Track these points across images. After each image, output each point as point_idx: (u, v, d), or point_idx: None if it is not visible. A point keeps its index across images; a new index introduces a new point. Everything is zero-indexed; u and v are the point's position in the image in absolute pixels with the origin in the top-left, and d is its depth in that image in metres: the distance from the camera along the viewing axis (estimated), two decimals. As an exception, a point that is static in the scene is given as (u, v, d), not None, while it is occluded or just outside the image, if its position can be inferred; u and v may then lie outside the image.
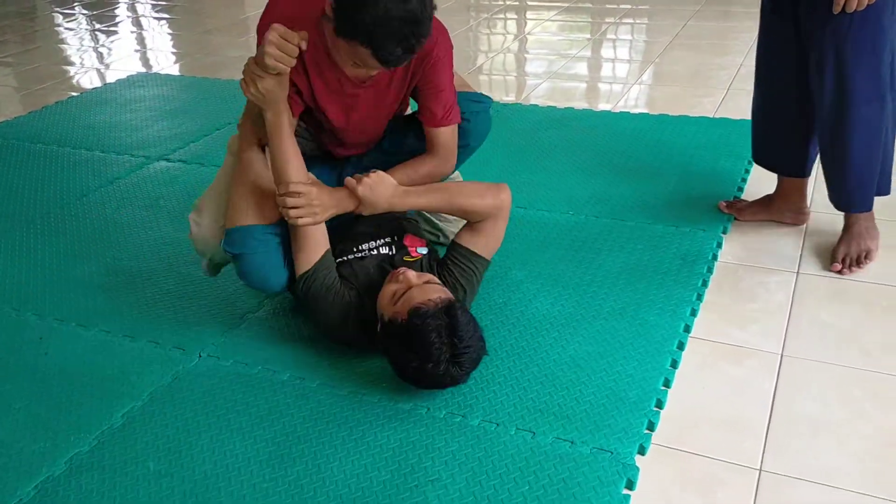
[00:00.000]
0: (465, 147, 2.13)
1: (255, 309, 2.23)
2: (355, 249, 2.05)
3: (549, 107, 3.67)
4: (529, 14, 5.50)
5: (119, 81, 4.36)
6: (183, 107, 3.93)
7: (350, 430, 1.79)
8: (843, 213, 2.36)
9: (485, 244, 2.05)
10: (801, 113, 2.31)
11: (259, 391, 1.92)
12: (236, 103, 3.83)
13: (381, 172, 1.92)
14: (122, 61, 4.83)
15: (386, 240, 2.09)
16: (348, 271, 1.99)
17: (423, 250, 2.09)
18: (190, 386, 1.95)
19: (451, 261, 2.04)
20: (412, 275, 1.88)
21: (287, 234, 1.97)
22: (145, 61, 4.83)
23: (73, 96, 4.16)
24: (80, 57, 4.98)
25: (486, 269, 2.09)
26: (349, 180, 1.90)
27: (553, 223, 2.61)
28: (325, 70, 1.89)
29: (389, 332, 1.79)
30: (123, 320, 2.21)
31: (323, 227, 1.96)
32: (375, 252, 2.05)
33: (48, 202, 2.96)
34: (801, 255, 2.39)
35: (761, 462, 1.67)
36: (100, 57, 4.97)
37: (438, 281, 1.93)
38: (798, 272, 2.31)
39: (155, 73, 4.50)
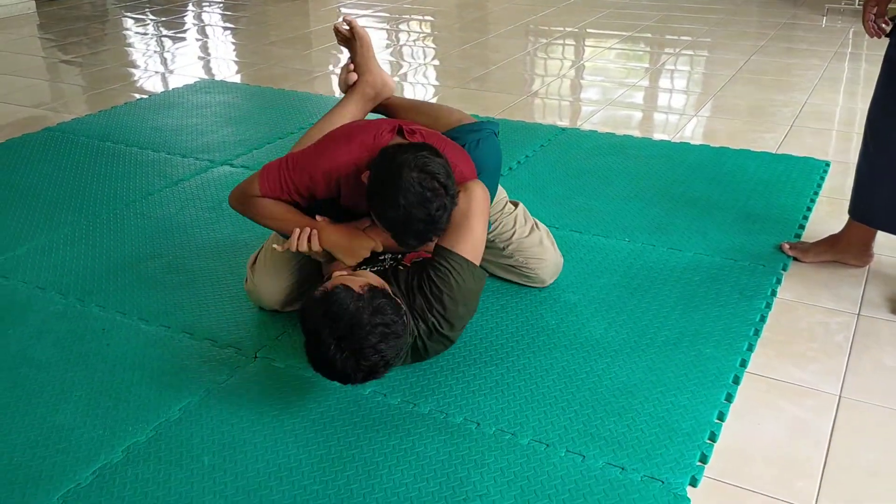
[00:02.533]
0: (480, 174, 2.10)
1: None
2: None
3: (607, 133, 3.67)
4: (589, 41, 5.51)
5: (186, 86, 4.47)
6: (247, 114, 4.02)
7: (400, 439, 1.80)
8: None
9: (456, 240, 1.91)
10: None
11: (312, 396, 1.94)
12: (299, 114, 3.91)
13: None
14: (189, 67, 4.95)
15: (389, 262, 2.07)
16: None
17: (418, 260, 2.04)
18: (245, 385, 1.98)
19: (427, 262, 1.96)
20: (370, 275, 1.89)
21: None
22: (210, 69, 4.95)
23: (141, 98, 4.27)
24: (146, 61, 5.12)
25: (472, 273, 1.92)
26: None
27: (609, 249, 2.61)
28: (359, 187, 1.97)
29: (306, 303, 1.80)
30: (183, 317, 2.26)
31: None
32: (377, 268, 2.04)
33: (115, 199, 3.04)
34: (862, 298, 2.35)
35: (816, 502, 1.64)
36: (166, 62, 5.10)
37: (376, 277, 1.88)
38: (859, 314, 2.28)
39: (221, 81, 4.61)
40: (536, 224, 2.41)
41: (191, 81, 4.58)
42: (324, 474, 1.70)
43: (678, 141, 3.58)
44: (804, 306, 2.32)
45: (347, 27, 2.34)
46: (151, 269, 2.53)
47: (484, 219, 1.99)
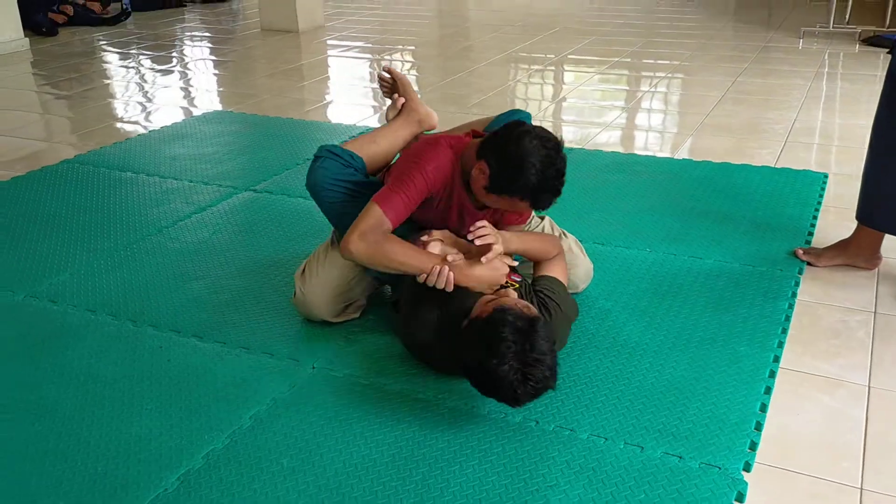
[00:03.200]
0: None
1: (359, 325, 2.36)
2: None
3: (612, 152, 3.82)
4: (580, 67, 5.70)
5: (194, 118, 4.57)
6: (259, 142, 4.12)
7: (465, 438, 1.90)
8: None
9: (554, 270, 2.24)
10: None
11: (373, 401, 2.04)
12: (310, 141, 4.03)
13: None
14: (193, 99, 5.05)
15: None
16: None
17: (518, 278, 2.22)
18: (308, 394, 2.07)
19: (536, 287, 2.18)
20: (513, 294, 2.03)
21: None
22: (213, 101, 5.05)
23: (152, 130, 4.35)
24: (149, 95, 5.21)
25: (565, 294, 2.20)
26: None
27: (632, 259, 2.74)
28: (453, 194, 2.18)
29: (470, 328, 1.92)
30: (237, 333, 2.35)
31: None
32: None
33: (146, 225, 3.12)
34: (876, 297, 2.50)
35: (861, 482, 1.76)
36: (169, 95, 5.19)
37: (532, 306, 2.05)
38: (875, 312, 2.42)
39: (228, 112, 4.71)
40: (564, 233, 2.53)
41: (198, 113, 4.68)
42: (399, 471, 1.80)
43: (680, 158, 3.74)
44: (823, 307, 2.46)
45: (389, 76, 2.53)
46: (197, 290, 2.61)
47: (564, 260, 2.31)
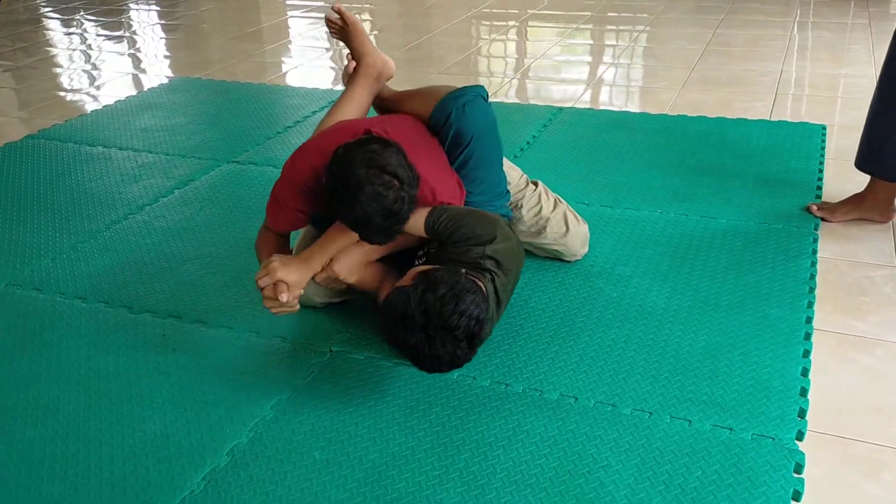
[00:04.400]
0: (472, 139, 2.09)
1: (370, 304, 2.24)
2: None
3: (604, 110, 3.72)
4: (559, 22, 5.56)
5: (160, 86, 4.34)
6: (232, 110, 3.93)
7: (503, 419, 1.81)
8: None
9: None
10: None
11: (400, 384, 1.93)
12: (286, 108, 3.85)
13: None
14: (155, 66, 4.80)
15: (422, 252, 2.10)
16: None
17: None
18: (330, 378, 1.95)
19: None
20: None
21: None
22: (178, 67, 4.80)
23: (117, 101, 4.12)
24: (106, 63, 4.94)
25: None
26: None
27: (644, 221, 2.66)
28: None
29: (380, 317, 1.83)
30: (243, 317, 2.21)
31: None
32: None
33: (126, 203, 2.94)
34: (895, 251, 2.46)
35: (917, 445, 1.72)
36: (129, 63, 4.93)
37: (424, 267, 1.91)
38: (898, 266, 2.38)
39: (195, 79, 4.48)
40: (559, 199, 2.44)
41: (163, 81, 4.45)
42: (440, 459, 1.70)
43: (674, 114, 3.65)
44: (845, 263, 2.41)
45: (338, 16, 2.34)
46: (192, 272, 2.45)
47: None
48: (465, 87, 2.13)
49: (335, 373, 1.98)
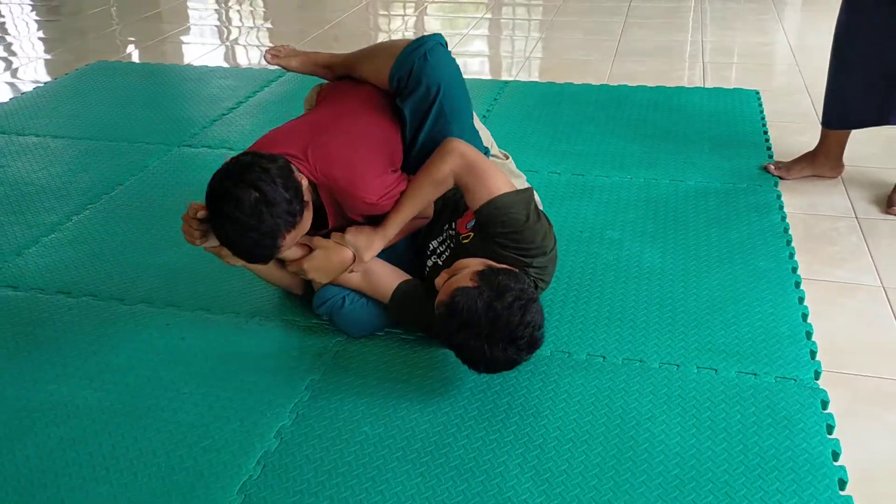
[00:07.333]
0: (440, 89, 1.96)
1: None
2: (428, 263, 2.06)
3: (548, 83, 3.79)
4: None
5: (81, 71, 4.10)
6: (166, 93, 3.78)
7: (541, 382, 1.84)
8: (884, 168, 2.67)
9: (480, 191, 1.84)
10: (887, 74, 2.53)
11: (428, 358, 1.93)
12: (218, 88, 3.75)
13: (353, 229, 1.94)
14: (71, 51, 4.53)
15: (442, 237, 2.07)
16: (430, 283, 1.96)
17: (471, 223, 2.01)
18: (360, 354, 1.94)
19: (485, 225, 1.89)
20: (464, 264, 1.84)
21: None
22: (94, 50, 4.55)
23: (36, 87, 3.88)
24: (12, 47, 4.63)
25: (518, 198, 1.85)
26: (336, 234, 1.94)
27: (618, 186, 2.74)
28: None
29: (440, 315, 1.73)
30: (247, 302, 2.15)
31: (385, 267, 1.99)
32: (444, 255, 2.03)
33: (84, 193, 2.79)
34: (851, 203, 2.64)
35: (918, 376, 1.87)
36: (36, 47, 4.64)
37: (474, 260, 1.84)
38: (857, 217, 2.55)
39: (116, 62, 4.27)
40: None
41: (81, 65, 4.20)
42: (492, 424, 1.72)
43: (615, 84, 3.76)
44: (809, 216, 2.57)
45: (276, 61, 2.29)
46: (176, 259, 2.36)
47: (482, 159, 1.88)
48: (420, 37, 2.00)
49: (363, 349, 1.96)
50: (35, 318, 2.10)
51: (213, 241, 1.80)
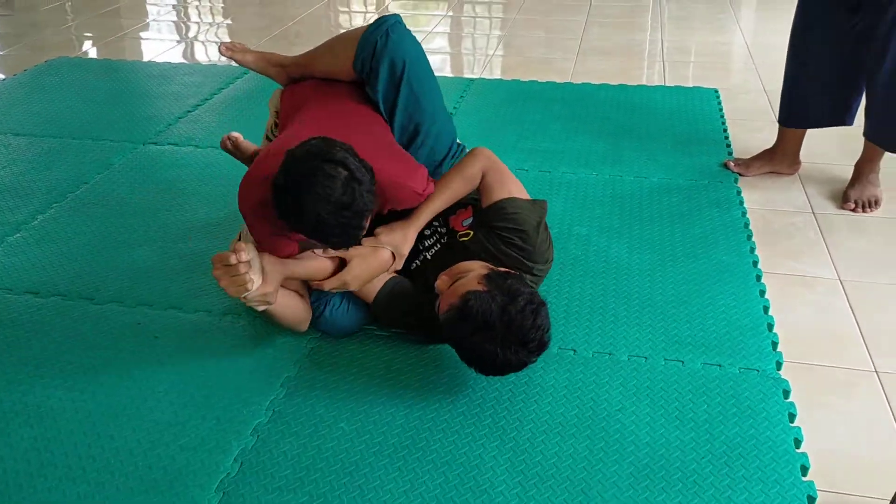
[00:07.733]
0: (406, 66, 1.98)
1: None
2: (419, 259, 2.06)
3: (514, 80, 3.83)
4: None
5: (38, 68, 4.03)
6: (129, 89, 3.74)
7: (514, 375, 1.83)
8: (838, 164, 2.74)
9: (500, 191, 2.00)
10: (842, 76, 2.61)
11: (402, 351, 1.96)
12: (181, 85, 3.73)
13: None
14: (24, 47, 4.45)
15: (436, 237, 2.07)
16: (420, 280, 2.01)
17: (468, 220, 2.06)
18: (335, 350, 1.96)
19: (491, 224, 1.98)
20: (467, 267, 1.85)
21: None
22: (52, 47, 4.47)
23: (-7, 83, 3.81)
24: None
25: (533, 207, 2.00)
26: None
27: (584, 183, 2.79)
28: None
29: (446, 319, 1.74)
30: (219, 300, 2.15)
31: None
32: (433, 250, 2.05)
33: (47, 192, 2.75)
34: (808, 199, 2.72)
35: (873, 365, 1.94)
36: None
37: (477, 263, 1.87)
38: (814, 212, 2.64)
39: (76, 58, 4.21)
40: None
41: (39, 62, 4.13)
42: (468, 418, 1.76)
43: (579, 82, 3.82)
44: (768, 212, 2.65)
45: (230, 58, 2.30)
46: (146, 257, 2.35)
47: (504, 169, 2.05)
48: (378, 18, 2.00)
49: (338, 345, 1.98)
50: (3, 319, 2.08)
51: (258, 281, 1.72)
